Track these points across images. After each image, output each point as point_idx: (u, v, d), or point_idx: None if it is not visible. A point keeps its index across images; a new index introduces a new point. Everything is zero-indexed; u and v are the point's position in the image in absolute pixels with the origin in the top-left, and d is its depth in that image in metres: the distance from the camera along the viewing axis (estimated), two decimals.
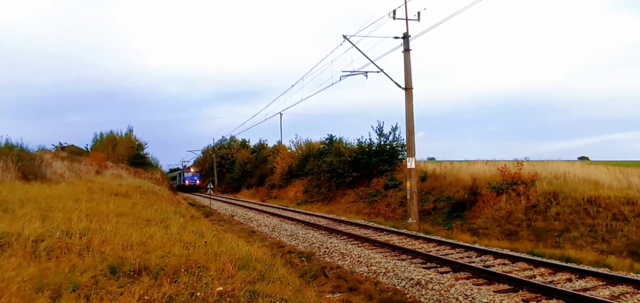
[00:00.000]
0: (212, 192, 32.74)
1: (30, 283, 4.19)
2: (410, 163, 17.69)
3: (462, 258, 10.90)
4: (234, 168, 56.71)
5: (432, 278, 8.75)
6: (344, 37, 18.74)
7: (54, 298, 4.04)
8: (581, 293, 7.55)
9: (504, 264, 10.14)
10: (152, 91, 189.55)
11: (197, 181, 60.45)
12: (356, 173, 27.42)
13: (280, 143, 49.42)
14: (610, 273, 8.96)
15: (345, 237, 14.72)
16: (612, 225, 12.63)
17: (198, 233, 7.91)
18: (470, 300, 7.45)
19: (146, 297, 4.19)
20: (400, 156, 26.88)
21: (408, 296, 8.12)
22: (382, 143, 27.38)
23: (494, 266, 9.95)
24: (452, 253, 11.55)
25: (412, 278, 8.88)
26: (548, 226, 14.14)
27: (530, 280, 8.29)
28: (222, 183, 60.85)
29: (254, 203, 34.03)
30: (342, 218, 21.01)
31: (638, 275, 8.94)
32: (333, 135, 34.23)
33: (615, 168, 18.17)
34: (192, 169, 64.39)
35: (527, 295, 7.61)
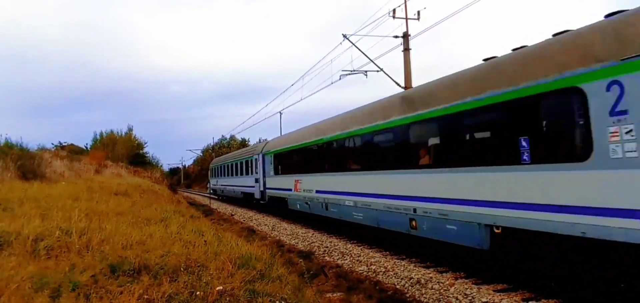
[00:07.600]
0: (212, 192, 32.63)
1: (29, 282, 4.19)
2: None
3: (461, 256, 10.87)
4: None
5: (431, 277, 8.76)
6: (344, 36, 18.72)
7: (53, 297, 4.04)
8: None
9: None
10: (154, 90, 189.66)
11: None
12: None
13: None
14: None
15: (344, 236, 14.71)
16: None
17: (198, 232, 7.91)
18: (470, 299, 7.45)
19: (146, 296, 4.19)
20: None
21: (408, 295, 8.11)
22: None
23: None
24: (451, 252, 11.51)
25: (412, 277, 8.89)
26: None
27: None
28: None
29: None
30: None
31: None
32: None
33: None
34: None
35: (527, 294, 7.60)
